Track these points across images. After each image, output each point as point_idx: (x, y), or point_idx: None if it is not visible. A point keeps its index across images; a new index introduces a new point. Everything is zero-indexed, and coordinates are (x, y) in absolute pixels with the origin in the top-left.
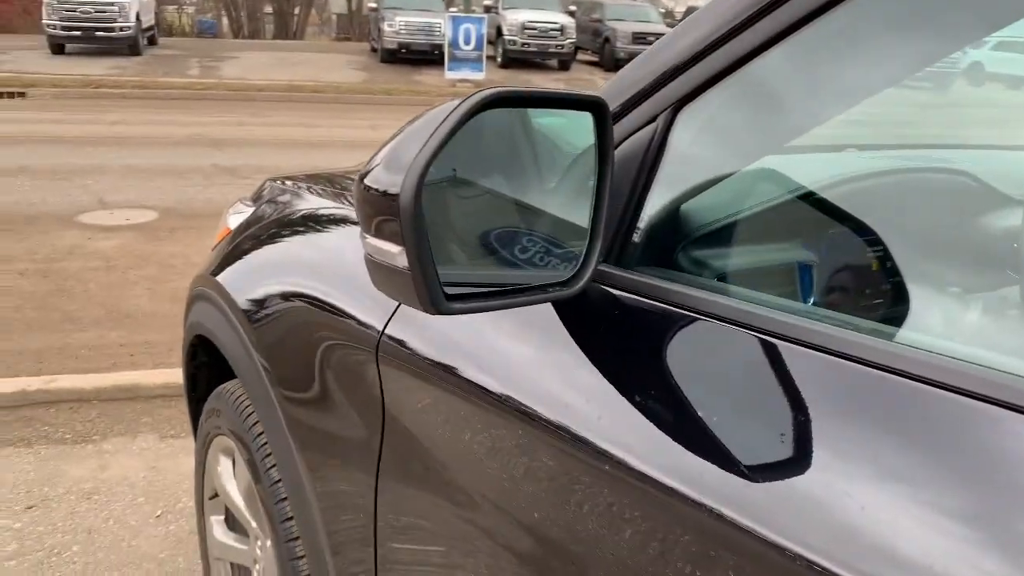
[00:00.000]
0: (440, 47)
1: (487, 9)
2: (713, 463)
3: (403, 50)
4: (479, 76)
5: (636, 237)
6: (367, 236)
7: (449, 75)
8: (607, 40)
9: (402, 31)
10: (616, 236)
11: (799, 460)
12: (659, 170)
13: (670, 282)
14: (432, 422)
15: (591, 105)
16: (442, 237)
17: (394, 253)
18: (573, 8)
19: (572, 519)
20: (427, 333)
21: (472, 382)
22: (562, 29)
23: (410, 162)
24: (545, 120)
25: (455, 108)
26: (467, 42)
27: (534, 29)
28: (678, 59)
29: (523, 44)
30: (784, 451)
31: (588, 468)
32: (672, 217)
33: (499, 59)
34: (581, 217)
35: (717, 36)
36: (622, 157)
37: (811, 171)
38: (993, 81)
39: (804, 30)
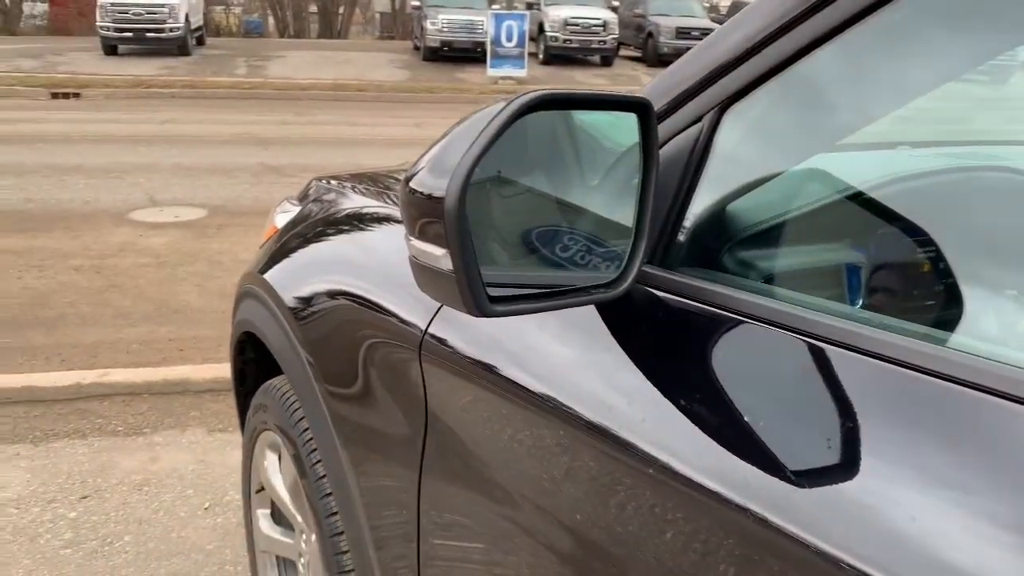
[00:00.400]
0: (482, 44)
1: (529, 6)
2: (757, 467)
3: (445, 48)
4: (521, 73)
5: (681, 238)
6: (412, 238)
7: (491, 72)
8: (650, 35)
9: (444, 29)
10: (660, 237)
11: (845, 466)
12: (704, 170)
13: (715, 284)
14: (474, 420)
15: (636, 106)
16: (486, 238)
17: (438, 256)
18: (616, 3)
19: (613, 520)
20: (469, 332)
21: (514, 381)
22: (604, 25)
23: (455, 166)
24: (589, 118)
25: (499, 112)
26: (509, 39)
27: (576, 25)
28: (724, 58)
29: (565, 40)
30: (830, 456)
31: (630, 470)
32: (717, 218)
33: (541, 56)
34: (625, 217)
35: (764, 35)
36: (667, 157)
37: (859, 171)
38: None
39: (853, 29)
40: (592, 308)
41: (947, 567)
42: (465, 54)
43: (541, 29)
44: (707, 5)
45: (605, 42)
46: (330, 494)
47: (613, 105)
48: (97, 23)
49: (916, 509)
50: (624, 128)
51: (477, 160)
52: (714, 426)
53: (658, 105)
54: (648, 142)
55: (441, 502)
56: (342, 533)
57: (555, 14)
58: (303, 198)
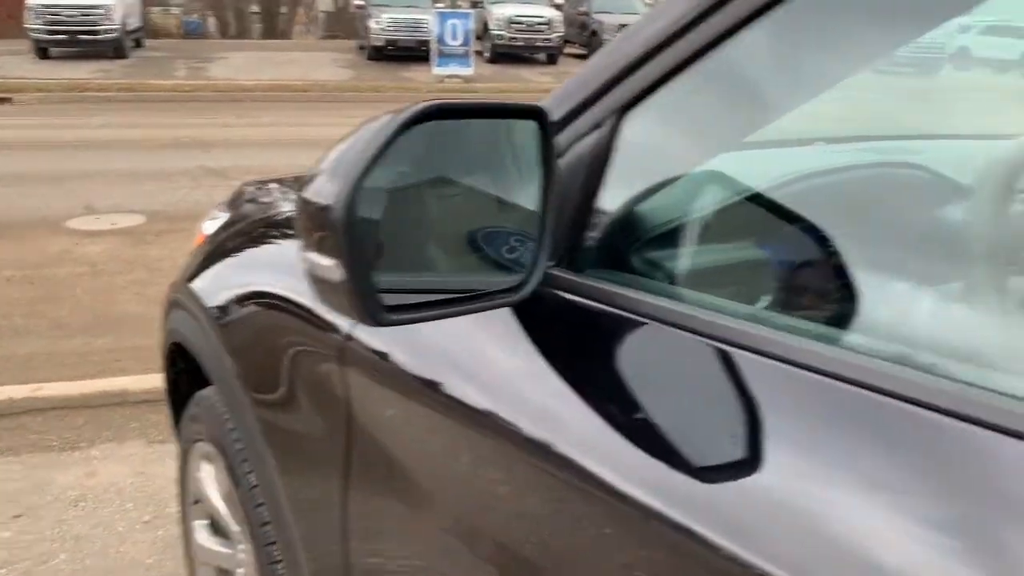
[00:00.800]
0: (427, 43)
1: (474, 4)
2: (664, 469)
3: (390, 47)
4: (468, 71)
5: (588, 241)
6: (306, 250)
7: (437, 71)
8: (594, 33)
9: (389, 28)
10: (568, 240)
11: (747, 467)
12: (607, 174)
13: (622, 286)
14: (397, 427)
15: (531, 113)
16: (388, 245)
17: (330, 266)
18: (560, 2)
19: (531, 523)
20: (388, 337)
21: (432, 386)
22: (549, 23)
23: (343, 176)
24: (492, 126)
25: (388, 123)
26: (454, 38)
27: (521, 23)
28: (622, 63)
29: (510, 38)
30: (735, 457)
31: (542, 473)
32: (623, 221)
33: (487, 54)
34: (529, 222)
35: (661, 39)
36: (571, 162)
37: (766, 169)
38: (981, 66)
39: (749, 28)
40: (507, 312)
41: (854, 563)
42: (410, 53)
43: (486, 28)
44: (649, 2)
45: (550, 40)
46: (263, 504)
47: (509, 114)
48: (26, 25)
49: (820, 507)
50: (525, 135)
51: (366, 171)
52: (621, 429)
53: (561, 111)
54: (546, 149)
55: (369, 511)
56: (275, 543)
57: (499, 12)
58: (232, 204)
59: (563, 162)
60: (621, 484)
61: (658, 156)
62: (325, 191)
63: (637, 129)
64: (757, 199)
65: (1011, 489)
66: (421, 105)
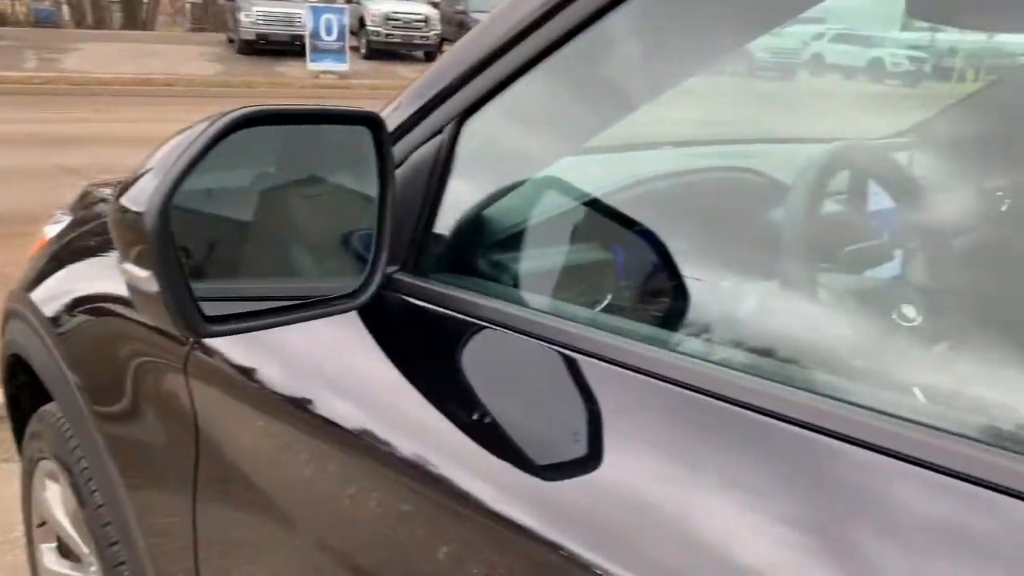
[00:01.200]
0: (301, 38)
1: (348, 0)
2: (507, 473)
3: (262, 41)
4: (343, 67)
5: (432, 245)
6: (122, 260)
7: (312, 67)
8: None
9: (260, 21)
10: (412, 245)
11: (585, 468)
12: (449, 180)
13: (465, 290)
14: (240, 435)
15: (365, 120)
16: (217, 253)
17: (145, 277)
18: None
19: (375, 529)
20: (233, 345)
21: (276, 395)
22: (426, 20)
23: (158, 183)
24: (328, 131)
25: (204, 130)
26: (329, 33)
27: (398, 20)
28: (459, 71)
29: (387, 35)
30: (577, 460)
31: (384, 479)
32: (466, 225)
33: (363, 50)
34: (369, 226)
35: (498, 45)
36: (413, 167)
37: (605, 174)
38: (833, 71)
39: (582, 35)
40: (352, 317)
41: (696, 557)
42: (283, 47)
43: (362, 23)
44: None
45: (428, 37)
46: (109, 523)
47: (341, 120)
48: None
49: (664, 504)
50: (362, 140)
51: (180, 178)
52: (464, 434)
53: (403, 116)
54: (383, 155)
55: (219, 527)
56: (124, 563)
57: (375, 8)
58: (76, 207)
59: (405, 167)
60: (467, 487)
61: (501, 161)
62: (140, 198)
63: (479, 134)
64: (596, 204)
65: (837, 486)
66: (235, 113)
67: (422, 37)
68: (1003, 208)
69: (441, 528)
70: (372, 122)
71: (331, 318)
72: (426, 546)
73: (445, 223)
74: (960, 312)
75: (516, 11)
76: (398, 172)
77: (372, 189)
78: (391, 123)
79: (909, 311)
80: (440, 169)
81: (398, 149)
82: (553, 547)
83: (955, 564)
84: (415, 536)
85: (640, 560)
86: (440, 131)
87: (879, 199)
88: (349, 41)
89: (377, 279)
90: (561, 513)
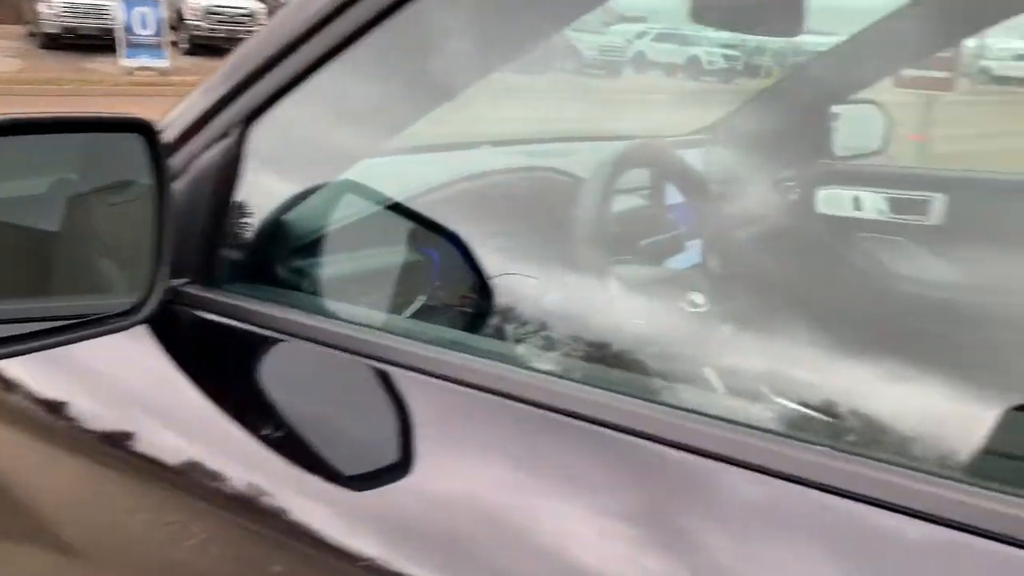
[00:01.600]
0: (113, 32)
1: None
2: (308, 486)
3: (68, 35)
4: (163, 64)
5: (222, 256)
6: None
7: (126, 63)
8: None
9: (64, 13)
10: (201, 256)
11: (393, 477)
12: (238, 186)
13: (260, 301)
14: (27, 468)
15: (136, 127)
16: None
17: None
18: None
19: (166, 548)
20: (16, 366)
21: (63, 416)
22: (252, 15)
23: None
24: (96, 140)
25: None
26: (144, 27)
27: (221, 15)
28: (243, 73)
29: (210, 30)
30: (384, 469)
31: (167, 494)
32: (260, 233)
33: (185, 46)
34: (148, 238)
35: (283, 45)
36: (199, 173)
37: (408, 177)
38: (654, 69)
39: (371, 33)
40: (141, 332)
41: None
42: (93, 42)
43: (181, 17)
44: None
45: (253, 33)
46: None
47: (106, 127)
48: None
49: (466, 515)
50: (135, 148)
51: None
52: (258, 444)
53: (186, 121)
54: (157, 162)
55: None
56: None
57: (196, 3)
58: None
59: (190, 173)
60: (269, 501)
61: (296, 164)
62: None
63: (270, 137)
64: (400, 207)
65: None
66: None
67: (247, 32)
68: (792, 197)
69: (235, 546)
70: (143, 128)
71: (119, 335)
72: (229, 568)
73: (237, 232)
74: (745, 297)
75: (310, 2)
76: (183, 179)
77: (150, 199)
78: (176, 127)
79: (698, 298)
80: (228, 175)
81: (183, 155)
82: (353, 559)
83: (766, 544)
84: (212, 557)
85: (454, 566)
86: (225, 135)
87: (676, 194)
88: (169, 36)
89: (157, 294)
90: (368, 523)
